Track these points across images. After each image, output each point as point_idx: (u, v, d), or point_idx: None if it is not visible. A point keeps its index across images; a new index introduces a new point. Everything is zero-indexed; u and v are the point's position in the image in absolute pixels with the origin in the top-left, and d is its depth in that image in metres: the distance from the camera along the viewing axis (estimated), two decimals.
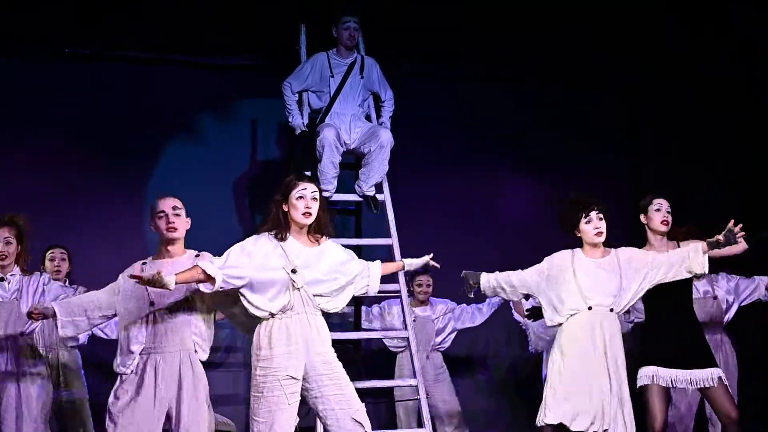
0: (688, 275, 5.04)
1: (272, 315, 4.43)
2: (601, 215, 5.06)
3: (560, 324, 5.05)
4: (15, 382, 5.02)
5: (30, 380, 5.08)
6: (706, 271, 5.01)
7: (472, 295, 5.44)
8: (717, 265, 5.68)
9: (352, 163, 6.50)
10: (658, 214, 5.29)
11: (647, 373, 5.10)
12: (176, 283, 4.20)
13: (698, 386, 5.11)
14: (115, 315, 4.52)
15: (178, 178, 7.14)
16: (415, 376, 5.86)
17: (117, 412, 4.36)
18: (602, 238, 5.06)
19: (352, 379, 4.56)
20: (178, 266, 4.40)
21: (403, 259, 5.01)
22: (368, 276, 4.75)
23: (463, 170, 7.73)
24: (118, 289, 4.50)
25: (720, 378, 5.06)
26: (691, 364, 5.07)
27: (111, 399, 4.41)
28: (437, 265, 5.02)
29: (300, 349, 4.41)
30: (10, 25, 6.83)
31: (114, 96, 7.18)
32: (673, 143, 8.16)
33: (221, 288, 4.34)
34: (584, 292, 4.97)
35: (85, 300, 4.56)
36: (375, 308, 6.91)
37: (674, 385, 5.11)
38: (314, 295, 4.48)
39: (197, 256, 4.54)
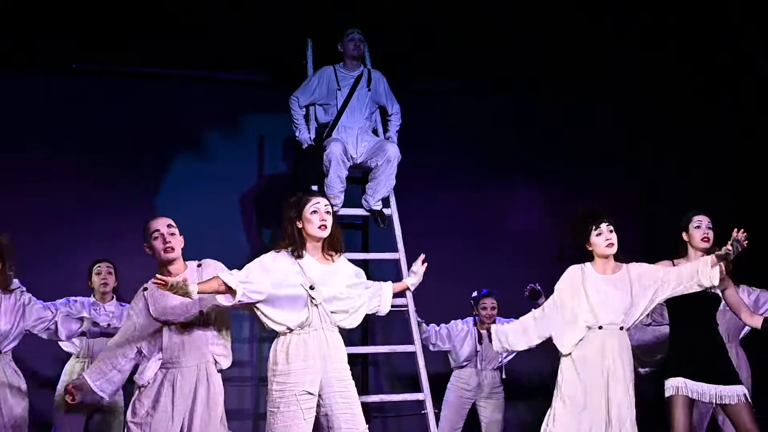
0: (699, 289, 5.02)
1: (290, 330, 4.46)
2: (611, 227, 5.03)
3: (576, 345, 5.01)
4: None
5: (9, 396, 4.97)
6: (716, 284, 4.98)
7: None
8: (738, 278, 5.64)
9: (359, 177, 6.51)
10: (698, 231, 5.27)
11: (674, 384, 5.08)
12: (198, 293, 4.24)
13: (723, 402, 5.08)
14: (140, 352, 4.53)
15: (185, 193, 7.16)
16: (421, 390, 5.84)
17: (135, 426, 4.38)
18: (614, 250, 5.01)
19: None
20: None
21: (405, 280, 4.98)
22: (380, 296, 4.79)
23: (469, 184, 7.72)
24: (135, 326, 4.53)
25: (744, 395, 5.05)
26: (718, 379, 5.06)
27: (129, 414, 4.44)
28: (423, 265, 4.95)
29: (317, 364, 4.43)
30: (17, 40, 6.87)
31: (121, 111, 7.19)
32: (676, 156, 8.15)
33: (239, 302, 4.37)
34: (595, 310, 4.94)
35: (109, 355, 4.54)
36: (443, 329, 6.87)
37: (700, 399, 5.09)
38: (331, 312, 4.51)
39: (199, 266, 4.58)
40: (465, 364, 6.77)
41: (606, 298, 4.95)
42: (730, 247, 4.81)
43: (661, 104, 8.17)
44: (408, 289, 5.00)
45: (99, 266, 6.21)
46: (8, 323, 4.96)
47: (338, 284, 4.56)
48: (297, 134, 6.42)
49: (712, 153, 8.08)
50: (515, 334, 5.16)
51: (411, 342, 5.99)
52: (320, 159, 6.16)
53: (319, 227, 4.51)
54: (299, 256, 4.52)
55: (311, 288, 4.44)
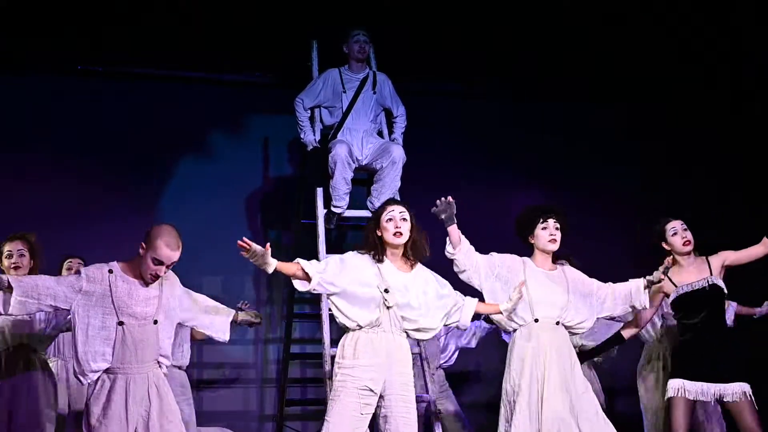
0: (631, 312, 5.09)
1: (360, 327, 4.53)
2: (558, 225, 5.01)
3: (513, 330, 4.96)
4: (26, 399, 4.99)
5: (41, 397, 5.05)
6: (647, 307, 5.03)
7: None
8: (740, 276, 5.63)
9: (365, 179, 6.51)
10: (677, 237, 5.30)
11: (674, 386, 5.13)
12: (276, 269, 4.38)
13: (725, 400, 5.10)
14: (67, 311, 4.32)
15: (190, 195, 7.17)
16: (426, 392, 5.84)
17: None
18: (555, 247, 5.00)
19: None
20: (151, 290, 4.36)
21: (500, 306, 4.87)
22: (461, 310, 4.80)
23: (474, 186, 7.70)
24: (81, 288, 4.29)
25: (746, 393, 5.06)
26: (720, 378, 5.07)
27: (84, 425, 4.29)
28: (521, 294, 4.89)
29: (383, 364, 4.50)
30: (23, 42, 6.88)
31: (125, 113, 7.22)
32: (679, 158, 8.14)
33: (314, 290, 4.54)
34: (533, 303, 4.90)
35: (41, 284, 4.26)
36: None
37: (701, 398, 5.12)
38: (403, 318, 4.57)
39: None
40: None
41: (545, 291, 4.93)
42: (662, 275, 4.88)
43: (663, 105, 8.17)
44: (499, 312, 4.90)
45: (70, 262, 6.12)
46: (43, 321, 5.06)
47: (415, 293, 4.63)
48: (302, 136, 6.42)
49: (714, 153, 8.09)
50: (468, 252, 4.99)
51: (415, 344, 5.98)
52: (325, 161, 6.16)
53: (395, 234, 4.62)
54: (380, 261, 4.63)
55: (386, 291, 4.53)
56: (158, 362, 4.41)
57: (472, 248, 5.05)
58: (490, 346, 7.24)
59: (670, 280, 5.25)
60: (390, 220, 4.65)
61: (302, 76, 6.74)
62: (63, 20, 6.74)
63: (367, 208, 6.35)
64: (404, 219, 4.67)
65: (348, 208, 6.25)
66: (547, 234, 5.00)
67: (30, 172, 6.97)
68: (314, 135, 6.42)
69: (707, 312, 5.18)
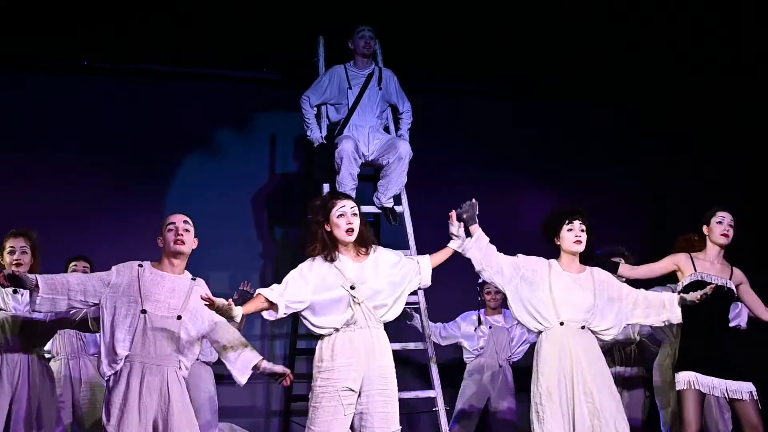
0: (661, 324, 5.14)
1: (336, 330, 4.50)
2: (584, 227, 5.01)
3: (539, 332, 4.96)
4: (26, 395, 5.03)
5: (41, 393, 5.09)
6: (680, 321, 5.03)
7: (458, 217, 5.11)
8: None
9: (371, 174, 6.52)
10: (720, 226, 5.33)
11: (686, 378, 5.14)
12: (243, 314, 4.31)
13: (732, 397, 5.15)
14: (96, 305, 4.44)
15: (196, 192, 7.18)
16: (433, 387, 5.84)
17: (111, 428, 4.27)
18: (581, 248, 4.99)
19: None
20: (179, 283, 4.47)
21: (449, 244, 4.94)
22: (419, 272, 4.80)
23: (481, 182, 7.70)
24: (109, 282, 4.43)
25: (751, 392, 5.12)
26: (728, 374, 5.12)
27: (104, 417, 4.32)
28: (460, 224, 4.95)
29: (361, 361, 4.47)
30: (29, 39, 6.90)
31: (131, 110, 7.23)
32: (687, 155, 8.13)
33: (284, 314, 4.47)
34: (557, 305, 4.89)
35: (73, 281, 4.41)
36: (451, 322, 6.87)
37: (711, 393, 5.14)
38: (374, 308, 4.54)
39: (194, 279, 4.57)
40: (478, 353, 6.78)
41: (570, 295, 4.91)
42: (699, 297, 4.87)
43: (665, 105, 8.15)
44: (452, 254, 4.95)
45: (75, 264, 6.15)
46: (43, 317, 5.08)
47: (378, 278, 4.58)
48: (308, 134, 6.43)
49: (717, 153, 8.08)
50: (489, 253, 5.03)
51: (422, 339, 5.98)
52: (332, 157, 6.17)
53: (347, 231, 4.54)
54: (333, 259, 4.55)
55: (352, 288, 4.49)
56: (180, 363, 4.43)
57: (494, 248, 5.05)
58: None
59: (693, 264, 5.29)
60: (341, 215, 4.55)
61: (309, 73, 6.75)
62: (69, 17, 6.76)
63: (373, 204, 6.36)
64: (354, 214, 4.58)
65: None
66: (573, 235, 4.98)
67: (33, 170, 6.99)
68: (321, 132, 6.43)
69: (717, 310, 5.22)
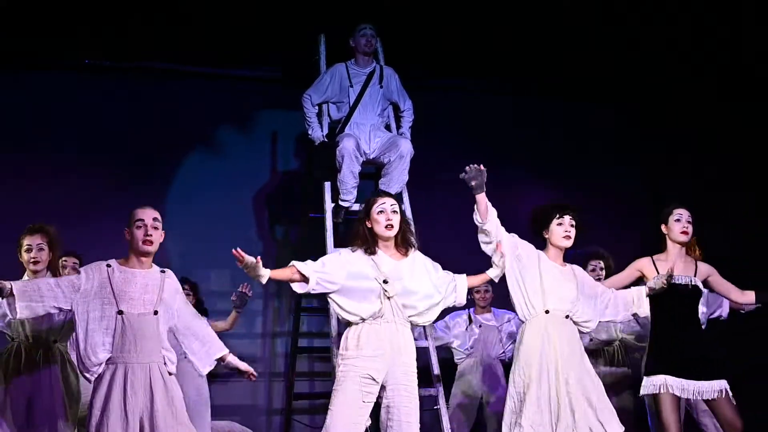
0: (630, 317, 5.17)
1: (363, 320, 4.55)
2: (574, 222, 5.03)
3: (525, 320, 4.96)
4: (43, 388, 4.99)
5: (58, 385, 5.04)
6: (648, 315, 5.08)
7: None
8: (748, 274, 5.61)
9: (372, 173, 6.52)
10: (678, 224, 5.26)
11: (655, 383, 5.03)
12: (270, 278, 4.40)
13: (704, 397, 5.07)
14: (69, 311, 4.36)
15: (197, 190, 7.18)
16: (434, 385, 5.84)
17: (93, 429, 4.23)
18: (569, 243, 5.03)
19: None
20: (150, 278, 4.41)
21: (487, 272, 4.96)
22: (455, 290, 4.84)
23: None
24: (79, 287, 4.34)
25: (724, 390, 5.02)
26: (698, 375, 5.03)
27: (87, 419, 4.28)
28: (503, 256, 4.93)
29: (386, 354, 4.52)
30: (31, 38, 6.90)
31: (133, 108, 7.23)
32: (687, 156, 8.14)
33: (313, 290, 4.54)
34: (546, 293, 4.92)
35: (44, 287, 4.31)
36: (441, 323, 6.88)
37: (682, 396, 5.05)
38: (404, 306, 4.59)
39: (163, 272, 4.52)
40: (468, 352, 6.79)
41: (558, 284, 4.94)
42: (664, 283, 4.93)
43: (665, 105, 8.17)
44: (488, 280, 4.99)
45: (65, 260, 5.96)
46: (60, 314, 4.98)
47: (412, 278, 4.65)
48: (309, 132, 6.43)
49: (717, 153, 8.09)
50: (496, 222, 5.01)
51: (423, 337, 5.98)
52: (333, 155, 6.17)
53: (386, 227, 4.64)
54: (372, 253, 4.64)
55: (385, 282, 4.55)
56: (165, 358, 4.39)
57: (498, 221, 5.06)
58: None
59: (655, 267, 5.23)
60: (381, 212, 4.67)
61: (309, 71, 6.74)
62: (69, 16, 6.76)
63: None
64: (395, 211, 4.69)
65: (356, 202, 6.24)
66: (562, 230, 5.02)
67: (33, 169, 6.98)
68: (322, 131, 6.43)
69: (684, 309, 5.14)
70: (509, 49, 7.50)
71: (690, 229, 5.25)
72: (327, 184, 6.25)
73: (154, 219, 4.43)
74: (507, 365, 6.74)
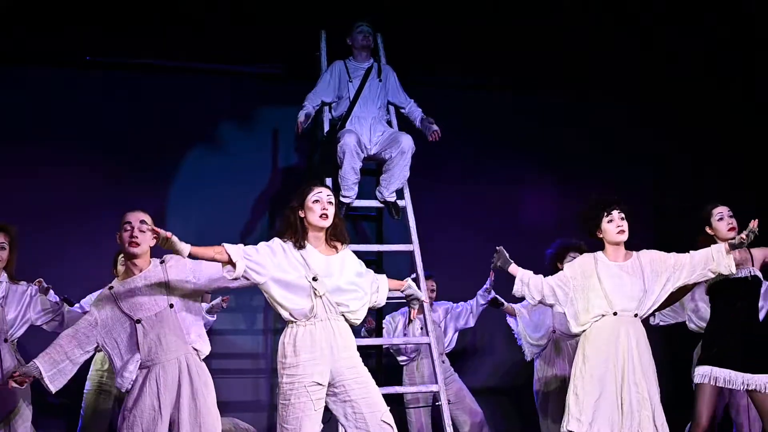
0: (712, 276, 5.05)
1: (296, 320, 4.43)
2: (623, 214, 5.02)
3: (583, 331, 5.01)
4: None
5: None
6: (734, 271, 4.99)
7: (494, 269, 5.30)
8: None
9: (373, 169, 6.51)
10: (722, 222, 5.27)
11: (702, 372, 5.12)
12: (189, 254, 4.21)
13: (750, 389, 5.11)
14: (97, 347, 4.44)
15: (199, 187, 7.17)
16: (436, 382, 5.83)
17: (126, 430, 4.33)
18: (625, 237, 5.01)
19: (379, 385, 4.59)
20: (151, 275, 4.44)
21: (408, 279, 4.86)
22: (377, 291, 4.72)
23: (484, 177, 7.73)
24: (95, 322, 4.43)
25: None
26: (748, 367, 5.07)
27: (119, 420, 4.38)
28: (427, 301, 5.10)
29: (325, 354, 4.41)
30: (30, 35, 6.89)
31: (134, 104, 7.21)
32: (687, 156, 8.15)
33: (242, 277, 4.35)
34: (609, 296, 4.92)
35: (64, 343, 4.40)
36: (384, 322, 6.85)
37: (727, 386, 5.11)
38: (337, 304, 4.47)
39: (162, 262, 4.53)
40: (413, 356, 6.73)
41: (619, 284, 4.94)
42: (744, 237, 4.85)
43: (678, 104, 8.16)
44: (404, 289, 4.81)
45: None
46: (15, 311, 5.13)
47: (343, 275, 4.52)
48: (299, 114, 6.33)
49: (717, 153, 8.09)
50: (535, 284, 5.11)
51: (425, 334, 5.98)
52: (334, 151, 6.16)
53: (321, 216, 4.49)
54: (301, 246, 4.49)
55: (314, 279, 4.43)
56: (194, 348, 4.44)
57: (540, 277, 5.11)
58: (489, 330, 7.28)
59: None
60: (317, 201, 4.51)
61: (311, 68, 6.75)
62: (68, 13, 6.76)
63: (376, 198, 6.36)
64: (330, 202, 4.55)
65: (357, 198, 6.24)
66: (614, 226, 5.00)
67: (32, 166, 6.96)
68: (313, 111, 6.37)
69: (744, 301, 5.18)
70: (509, 48, 7.50)
71: (735, 223, 5.25)
72: (328, 181, 6.23)
73: (141, 221, 4.44)
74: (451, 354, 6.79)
